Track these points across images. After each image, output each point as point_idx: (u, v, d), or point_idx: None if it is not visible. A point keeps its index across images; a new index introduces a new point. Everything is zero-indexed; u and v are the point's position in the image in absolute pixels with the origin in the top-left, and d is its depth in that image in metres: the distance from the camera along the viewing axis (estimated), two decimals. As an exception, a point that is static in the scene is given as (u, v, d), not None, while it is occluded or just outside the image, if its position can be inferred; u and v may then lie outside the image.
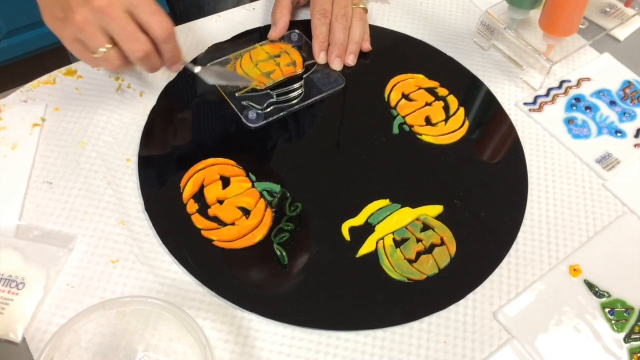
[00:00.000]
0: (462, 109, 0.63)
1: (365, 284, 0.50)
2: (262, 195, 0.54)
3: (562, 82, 0.67)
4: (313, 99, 0.62)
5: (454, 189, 0.57)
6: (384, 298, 0.50)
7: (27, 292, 0.47)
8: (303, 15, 0.70)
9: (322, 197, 0.55)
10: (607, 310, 0.51)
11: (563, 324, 0.50)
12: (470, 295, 0.51)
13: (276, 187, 0.55)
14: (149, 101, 0.60)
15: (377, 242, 0.52)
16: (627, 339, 0.49)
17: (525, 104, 0.64)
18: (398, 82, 0.64)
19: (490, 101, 0.65)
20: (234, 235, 0.52)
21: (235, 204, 0.53)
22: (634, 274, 0.53)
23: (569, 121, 0.63)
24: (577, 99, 0.65)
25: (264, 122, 0.59)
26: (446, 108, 0.63)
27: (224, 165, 0.56)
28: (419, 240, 0.53)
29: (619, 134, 0.63)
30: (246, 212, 0.53)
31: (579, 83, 0.67)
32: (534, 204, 0.57)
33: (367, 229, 0.53)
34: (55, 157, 0.55)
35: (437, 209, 0.55)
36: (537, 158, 0.60)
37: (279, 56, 0.65)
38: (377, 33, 0.69)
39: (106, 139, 0.57)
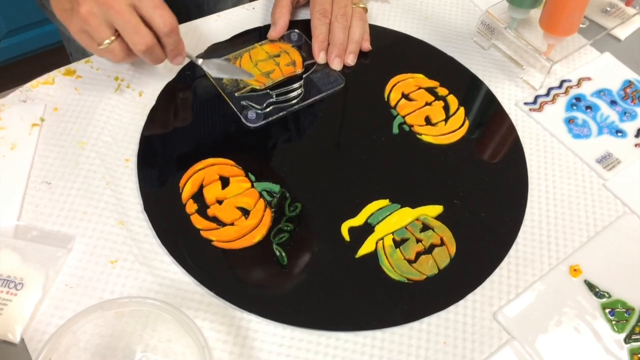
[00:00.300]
0: (462, 109, 0.63)
1: (365, 285, 0.50)
2: (261, 196, 0.54)
3: (562, 81, 0.67)
4: (313, 98, 0.62)
5: (454, 189, 0.57)
6: (384, 298, 0.49)
7: (26, 293, 0.47)
8: (303, 14, 0.70)
9: (321, 197, 0.55)
10: (607, 310, 0.50)
11: (563, 325, 0.49)
12: (470, 296, 0.50)
13: (275, 187, 0.55)
14: (149, 101, 0.60)
15: (376, 243, 0.52)
16: (627, 339, 0.49)
17: (525, 103, 0.64)
18: (398, 82, 0.64)
19: (491, 101, 0.64)
20: (233, 236, 0.51)
21: (234, 204, 0.53)
22: (634, 274, 0.53)
23: (570, 121, 0.63)
24: (578, 98, 0.65)
25: (264, 122, 0.59)
26: (446, 108, 0.63)
27: (224, 166, 0.56)
28: (418, 241, 0.53)
29: (619, 134, 0.63)
30: (245, 212, 0.53)
31: (579, 83, 0.67)
32: (534, 204, 0.57)
33: (366, 229, 0.53)
34: (54, 157, 0.55)
35: (437, 209, 0.55)
36: (537, 158, 0.60)
37: (278, 56, 0.65)
38: (377, 33, 0.68)
39: (105, 139, 0.57)
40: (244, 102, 0.60)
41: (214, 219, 0.52)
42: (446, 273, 0.51)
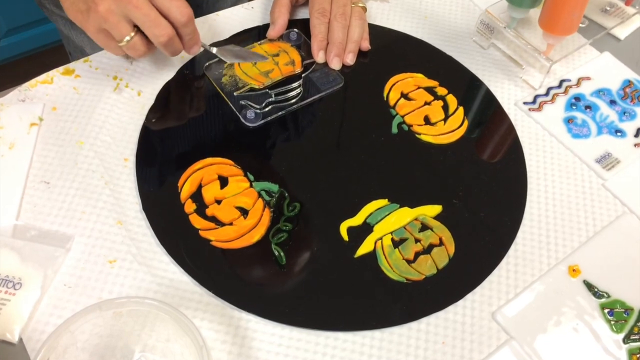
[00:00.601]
0: (461, 109, 0.63)
1: (364, 285, 0.50)
2: (260, 195, 0.54)
3: (562, 81, 0.67)
4: (312, 98, 0.62)
5: (453, 188, 0.56)
6: (382, 298, 0.49)
7: (24, 292, 0.47)
8: (302, 14, 0.70)
9: (320, 196, 0.55)
10: (606, 310, 0.50)
11: (562, 325, 0.49)
12: (469, 296, 0.50)
13: (274, 187, 0.55)
14: (147, 100, 0.60)
15: (375, 242, 0.52)
16: (626, 339, 0.49)
17: (524, 103, 0.64)
18: (397, 82, 0.64)
19: (490, 100, 0.64)
20: (232, 236, 0.51)
21: (233, 203, 0.53)
22: (633, 274, 0.53)
23: (569, 120, 0.63)
24: (577, 98, 0.65)
25: (263, 121, 0.59)
26: (445, 107, 0.63)
27: (222, 165, 0.56)
28: (417, 241, 0.53)
29: (619, 134, 0.63)
30: (244, 212, 0.53)
31: (579, 82, 0.67)
32: (534, 204, 0.57)
33: (365, 229, 0.53)
34: (53, 157, 0.55)
35: (436, 209, 0.55)
36: (536, 158, 0.60)
37: (277, 55, 0.65)
38: (376, 32, 0.68)
39: (104, 139, 0.57)
40: (242, 102, 0.60)
41: (213, 219, 0.52)
42: (445, 273, 0.51)
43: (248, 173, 0.55)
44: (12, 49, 1.50)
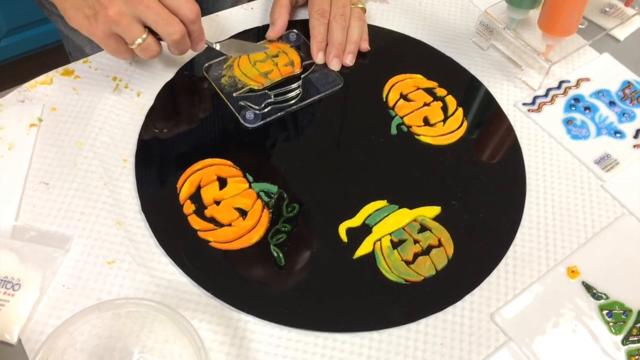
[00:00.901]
0: (460, 110, 0.63)
1: (362, 286, 0.50)
2: (259, 196, 0.54)
3: (561, 82, 0.67)
4: (311, 99, 0.62)
5: (452, 190, 0.56)
6: (381, 299, 0.49)
7: (23, 293, 0.47)
8: (302, 15, 0.70)
9: (319, 197, 0.55)
10: (605, 312, 0.50)
11: (561, 326, 0.49)
12: (467, 297, 0.50)
13: (273, 188, 0.55)
14: (147, 101, 0.60)
15: (374, 244, 0.52)
16: (625, 341, 0.49)
17: (524, 104, 0.64)
18: (396, 83, 0.64)
19: (489, 101, 0.64)
20: (230, 237, 0.51)
21: (232, 204, 0.53)
22: (632, 275, 0.53)
23: (568, 122, 0.63)
24: (576, 99, 0.65)
25: (262, 122, 0.59)
26: (444, 108, 0.63)
27: (221, 166, 0.56)
28: (416, 242, 0.53)
29: (618, 135, 0.63)
30: (243, 213, 0.53)
31: (578, 83, 0.67)
32: (532, 205, 0.57)
33: (364, 230, 0.53)
34: (52, 158, 0.55)
35: (435, 210, 0.55)
36: (535, 159, 0.60)
37: (277, 56, 0.65)
38: (376, 33, 0.68)
39: (103, 140, 0.57)
40: (242, 103, 0.60)
41: (212, 220, 0.52)
42: (444, 274, 0.51)
43: (247, 174, 0.55)
44: (13, 49, 1.50)
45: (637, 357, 0.48)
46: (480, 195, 0.56)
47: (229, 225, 0.52)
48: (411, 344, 0.48)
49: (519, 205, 0.56)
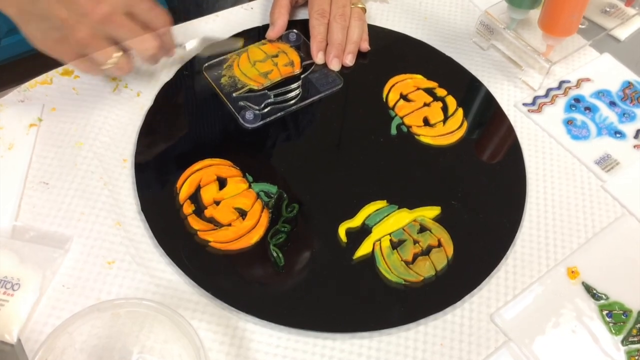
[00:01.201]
0: (460, 110, 0.63)
1: (362, 286, 0.50)
2: (258, 196, 0.54)
3: (561, 82, 0.66)
4: (311, 99, 0.62)
5: (452, 190, 0.56)
6: (381, 300, 0.49)
7: (23, 293, 0.47)
8: (302, 14, 0.70)
9: (319, 198, 0.55)
10: (605, 312, 0.50)
11: (560, 327, 0.49)
12: (467, 298, 0.50)
13: (273, 188, 0.55)
14: (146, 101, 0.60)
15: (374, 244, 0.52)
16: (624, 341, 0.49)
17: (524, 104, 0.64)
18: (396, 83, 0.64)
19: (489, 102, 0.64)
20: (230, 237, 0.51)
21: (231, 205, 0.53)
22: (632, 276, 0.53)
23: (569, 122, 0.63)
24: (577, 99, 0.65)
25: (262, 122, 0.59)
26: (445, 109, 0.63)
27: (221, 166, 0.56)
28: (416, 242, 0.53)
29: (618, 135, 0.62)
30: (243, 213, 0.53)
31: (578, 83, 0.66)
32: (533, 206, 0.57)
33: (364, 230, 0.53)
34: (52, 158, 0.55)
35: (435, 210, 0.55)
36: (535, 159, 0.60)
37: (276, 56, 0.65)
38: (376, 33, 0.68)
39: (103, 140, 0.57)
40: (241, 103, 0.60)
41: (211, 220, 0.52)
42: (443, 275, 0.51)
43: (247, 174, 0.55)
44: (13, 49, 1.50)
45: (637, 357, 0.48)
46: (480, 196, 0.56)
47: (229, 225, 0.52)
48: (411, 345, 0.48)
49: (519, 205, 0.56)
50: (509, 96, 0.65)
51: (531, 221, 0.55)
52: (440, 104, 0.63)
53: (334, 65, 0.64)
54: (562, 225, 0.56)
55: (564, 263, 0.53)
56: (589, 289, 0.52)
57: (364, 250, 0.52)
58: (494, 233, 0.54)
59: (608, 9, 0.73)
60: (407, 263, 0.51)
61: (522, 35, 0.67)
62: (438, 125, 0.61)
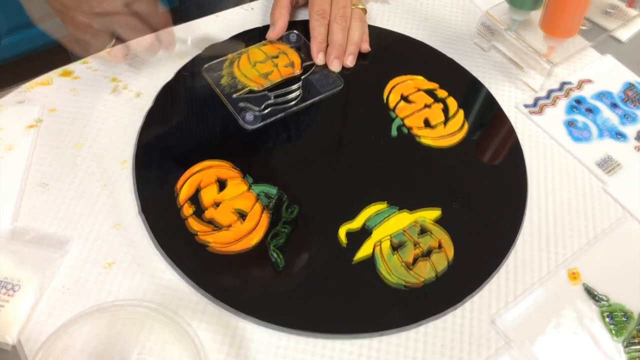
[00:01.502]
0: (461, 111, 0.62)
1: (362, 289, 0.50)
2: (258, 198, 0.54)
3: (562, 83, 0.66)
4: (311, 100, 0.62)
5: (453, 192, 0.56)
6: (381, 302, 0.49)
7: (22, 295, 0.47)
8: (302, 15, 0.70)
9: (319, 199, 0.55)
10: (606, 315, 0.50)
11: (561, 330, 0.49)
12: (467, 300, 0.50)
13: (273, 190, 0.55)
14: (146, 102, 0.60)
15: (374, 246, 0.52)
16: (625, 344, 0.49)
17: (525, 106, 0.64)
18: (397, 84, 0.64)
19: (490, 103, 0.64)
20: (230, 239, 0.51)
21: (231, 206, 0.53)
22: (633, 278, 0.53)
23: (570, 123, 0.63)
24: (578, 101, 0.65)
25: (262, 123, 0.59)
26: (445, 110, 0.62)
27: (221, 168, 0.55)
28: (416, 244, 0.52)
29: (620, 137, 0.62)
30: (242, 215, 0.53)
31: (579, 85, 0.66)
32: (534, 208, 0.56)
33: (364, 232, 0.53)
34: (51, 159, 0.55)
35: (435, 212, 0.54)
36: (537, 161, 0.60)
37: (277, 57, 0.64)
38: (376, 34, 0.68)
39: (102, 141, 0.57)
40: (241, 104, 0.60)
41: (211, 222, 0.52)
42: (444, 277, 0.51)
43: (247, 175, 0.55)
44: (14, 48, 1.50)
45: (638, 360, 0.48)
46: (481, 198, 0.56)
47: (229, 227, 0.52)
48: (411, 347, 0.48)
49: (520, 207, 0.56)
50: (509, 97, 0.65)
51: (532, 223, 0.55)
52: (441, 105, 0.63)
53: (335, 67, 0.64)
54: (563, 227, 0.55)
55: (564, 265, 0.53)
56: (590, 291, 0.51)
57: (364, 252, 0.52)
58: (495, 235, 0.54)
59: (609, 10, 0.73)
60: (407, 265, 0.51)
61: (523, 36, 0.67)
62: (439, 126, 0.61)
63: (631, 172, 0.60)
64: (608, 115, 0.64)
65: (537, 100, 0.65)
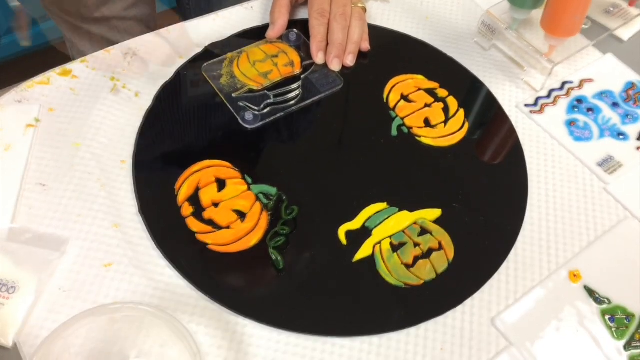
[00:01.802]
0: (462, 111, 0.62)
1: (362, 289, 0.50)
2: (258, 198, 0.54)
3: (563, 83, 0.66)
4: (311, 99, 0.61)
5: (453, 192, 0.56)
6: (381, 303, 0.49)
7: (19, 297, 0.46)
8: (302, 14, 0.69)
9: (318, 199, 0.54)
10: (607, 317, 0.50)
11: (562, 331, 0.49)
12: (468, 301, 0.50)
13: (272, 190, 0.54)
14: (145, 102, 0.59)
15: (374, 247, 0.52)
16: (627, 346, 0.48)
17: (526, 105, 0.64)
18: (397, 83, 0.64)
19: (491, 102, 0.64)
20: (229, 239, 0.51)
21: (230, 207, 0.53)
22: (634, 280, 0.52)
23: (571, 123, 0.63)
24: (579, 100, 0.65)
25: (261, 123, 0.59)
26: (446, 109, 0.62)
27: (220, 168, 0.55)
28: (416, 245, 0.52)
29: (621, 137, 0.62)
30: (242, 215, 0.52)
31: (581, 84, 0.66)
32: (534, 208, 0.56)
33: (364, 232, 0.53)
34: (49, 159, 0.55)
35: (436, 212, 0.54)
36: (537, 161, 0.60)
37: (276, 56, 0.64)
38: (377, 33, 0.68)
39: (101, 140, 0.56)
40: (241, 103, 0.60)
41: (210, 222, 0.52)
42: (444, 278, 0.51)
43: (246, 175, 0.55)
44: (13, 47, 1.49)
45: (639, 362, 0.48)
46: (482, 198, 0.56)
47: (228, 227, 0.52)
48: (411, 349, 0.47)
49: (521, 207, 0.56)
50: (510, 97, 0.64)
51: (533, 224, 0.55)
52: (441, 105, 0.62)
53: (335, 66, 0.64)
54: (564, 227, 0.55)
55: (565, 266, 0.52)
56: (591, 293, 0.51)
57: (364, 252, 0.51)
58: (495, 235, 0.54)
59: (611, 9, 0.73)
60: (407, 266, 0.51)
61: (524, 35, 0.66)
62: (439, 126, 0.61)
63: (632, 172, 0.59)
64: (609, 114, 0.64)
65: (537, 99, 0.64)
